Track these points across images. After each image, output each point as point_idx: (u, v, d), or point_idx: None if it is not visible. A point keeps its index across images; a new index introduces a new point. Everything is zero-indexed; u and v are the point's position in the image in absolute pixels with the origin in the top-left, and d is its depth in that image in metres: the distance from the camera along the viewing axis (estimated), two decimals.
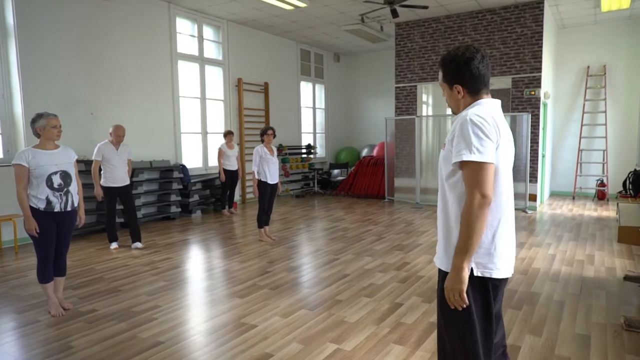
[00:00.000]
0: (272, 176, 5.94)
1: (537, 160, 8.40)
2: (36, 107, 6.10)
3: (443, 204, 1.75)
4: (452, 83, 1.75)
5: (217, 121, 9.15)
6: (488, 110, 1.66)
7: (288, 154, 10.64)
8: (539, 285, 4.21)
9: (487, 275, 1.64)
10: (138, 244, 5.72)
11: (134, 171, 6.96)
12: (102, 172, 5.47)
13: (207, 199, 8.48)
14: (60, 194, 3.53)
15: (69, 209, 3.60)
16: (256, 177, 5.87)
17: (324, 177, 11.62)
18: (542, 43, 8.09)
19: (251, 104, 9.72)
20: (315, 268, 4.85)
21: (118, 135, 5.45)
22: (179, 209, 7.85)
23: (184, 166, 7.96)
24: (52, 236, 3.55)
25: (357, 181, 10.46)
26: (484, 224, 1.56)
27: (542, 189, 8.99)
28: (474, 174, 1.56)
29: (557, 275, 4.48)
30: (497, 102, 1.76)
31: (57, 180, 3.50)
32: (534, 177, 8.37)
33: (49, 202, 3.47)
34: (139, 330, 3.29)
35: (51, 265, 3.61)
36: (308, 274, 4.65)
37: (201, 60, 8.64)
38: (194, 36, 8.50)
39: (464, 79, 1.71)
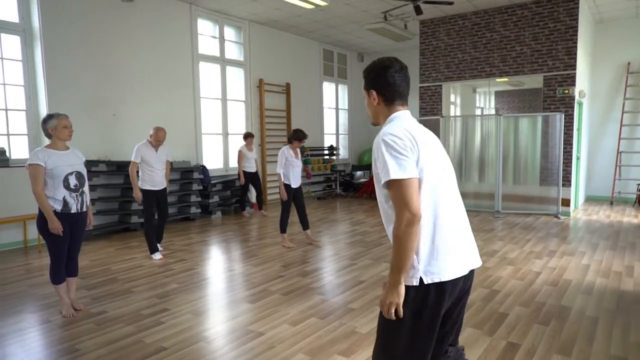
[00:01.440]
0: (296, 179, 5.77)
1: (571, 162, 7.97)
2: (60, 108, 6.16)
3: (388, 225, 1.74)
4: (368, 89, 1.80)
5: (238, 122, 9.11)
6: (400, 125, 1.68)
7: (310, 155, 10.51)
8: (570, 298, 3.91)
9: (436, 280, 1.62)
10: (158, 246, 5.52)
11: None
12: (139, 174, 5.17)
13: (227, 200, 8.45)
14: (76, 195, 3.51)
15: (84, 209, 3.59)
16: (282, 179, 5.67)
17: (346, 179, 11.43)
18: (576, 38, 7.68)
19: (272, 104, 9.64)
20: (330, 273, 4.69)
21: (158, 140, 5.14)
22: (199, 210, 7.83)
23: (204, 167, 7.94)
24: (67, 238, 3.52)
25: None
26: (414, 241, 1.57)
27: (576, 193, 8.53)
28: (397, 193, 1.56)
29: (590, 288, 4.17)
30: (407, 113, 1.77)
31: (73, 181, 3.48)
32: (567, 181, 7.95)
33: (65, 203, 3.44)
34: (144, 334, 3.21)
35: (64, 267, 3.58)
36: (322, 279, 4.49)
37: (222, 61, 8.62)
38: (215, 37, 8.49)
39: (380, 86, 1.76)
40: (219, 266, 5.13)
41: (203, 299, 3.97)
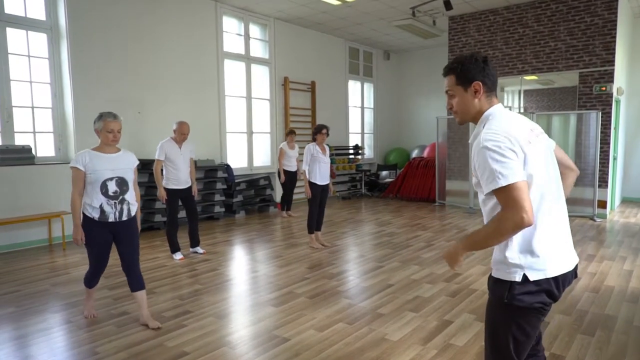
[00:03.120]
0: (323, 177, 5.59)
1: (608, 163, 7.59)
2: (86, 106, 6.21)
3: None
4: (471, 82, 1.72)
5: (263, 121, 9.02)
6: (499, 127, 1.61)
7: (335, 154, 10.34)
8: (614, 306, 3.65)
9: (541, 277, 1.59)
10: (198, 249, 5.39)
11: None
12: (163, 172, 5.03)
13: (251, 199, 8.36)
14: (115, 202, 3.18)
15: (124, 218, 3.23)
16: (307, 176, 5.53)
17: (371, 178, 11.23)
18: (615, 33, 7.30)
19: (297, 103, 9.51)
20: (357, 276, 4.52)
21: (182, 133, 4.98)
22: (223, 209, 7.77)
23: (228, 166, 7.88)
24: (106, 247, 3.25)
25: (406, 183, 10.00)
26: (505, 240, 1.57)
27: (612, 194, 8.13)
28: (508, 198, 1.50)
29: (636, 296, 3.89)
30: (501, 108, 1.73)
31: (112, 187, 3.16)
32: (603, 182, 7.57)
33: (102, 211, 3.14)
34: (166, 337, 3.11)
35: (100, 275, 3.40)
36: (349, 282, 4.33)
37: (247, 59, 8.54)
38: (240, 35, 8.42)
39: (485, 76, 1.71)
40: (242, 267, 5.02)
41: (226, 301, 3.86)
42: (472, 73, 1.71)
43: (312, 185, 5.56)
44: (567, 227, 1.73)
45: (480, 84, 1.71)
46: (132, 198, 3.29)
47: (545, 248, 1.59)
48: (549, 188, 1.64)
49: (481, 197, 1.69)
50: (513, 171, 1.50)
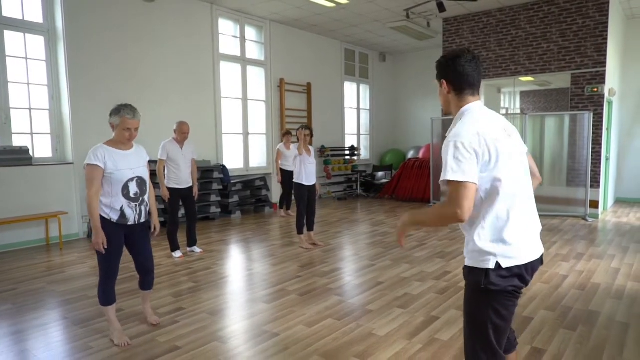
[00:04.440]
0: (309, 178, 5.70)
1: (600, 163, 7.68)
2: (83, 107, 6.29)
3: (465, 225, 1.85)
4: (440, 79, 1.84)
5: (259, 122, 9.10)
6: (472, 127, 1.69)
7: (331, 155, 10.43)
8: (599, 303, 3.73)
9: (513, 264, 1.71)
10: (195, 248, 5.48)
11: None
12: (165, 172, 5.13)
13: (247, 200, 8.44)
14: (136, 205, 2.98)
15: (142, 220, 3.05)
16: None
17: (367, 179, 11.31)
18: (607, 35, 7.40)
19: (293, 104, 9.60)
20: (348, 274, 4.60)
21: (183, 132, 5.07)
22: (219, 210, 7.84)
23: (224, 167, 7.96)
24: (120, 251, 3.02)
25: (401, 184, 10.08)
26: (440, 226, 1.75)
27: (605, 195, 8.22)
28: (452, 192, 1.64)
29: (621, 293, 3.97)
30: (478, 105, 1.80)
31: (133, 189, 2.95)
32: (595, 182, 7.65)
33: (123, 214, 2.93)
34: (158, 333, 3.19)
35: (114, 284, 3.07)
36: (340, 280, 4.40)
37: (243, 60, 8.63)
38: (236, 37, 8.50)
39: (450, 75, 1.80)
40: (236, 265, 5.10)
41: (219, 298, 3.93)
42: (440, 71, 1.85)
43: (298, 186, 5.66)
44: (536, 222, 1.84)
45: (445, 82, 1.83)
46: (148, 197, 3.12)
47: (516, 238, 1.71)
48: (520, 186, 1.75)
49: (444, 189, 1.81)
50: (464, 171, 1.62)
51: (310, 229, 5.86)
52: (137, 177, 2.99)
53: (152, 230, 3.23)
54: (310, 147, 5.78)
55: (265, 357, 2.83)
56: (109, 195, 2.90)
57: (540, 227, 1.86)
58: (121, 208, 2.92)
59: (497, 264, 1.69)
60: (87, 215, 6.39)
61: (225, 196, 7.97)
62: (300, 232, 5.76)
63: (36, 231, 5.96)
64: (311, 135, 5.73)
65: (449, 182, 1.65)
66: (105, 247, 2.87)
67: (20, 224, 5.77)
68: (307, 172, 5.67)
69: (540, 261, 1.82)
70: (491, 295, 1.72)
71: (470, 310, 1.81)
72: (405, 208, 8.92)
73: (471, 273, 1.77)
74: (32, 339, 3.13)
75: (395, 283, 4.25)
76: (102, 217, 2.89)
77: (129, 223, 2.97)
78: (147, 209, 3.12)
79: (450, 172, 1.63)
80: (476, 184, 1.64)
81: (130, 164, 2.97)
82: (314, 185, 5.79)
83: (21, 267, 4.91)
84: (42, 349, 2.98)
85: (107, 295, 3.03)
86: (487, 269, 1.70)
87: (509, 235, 1.70)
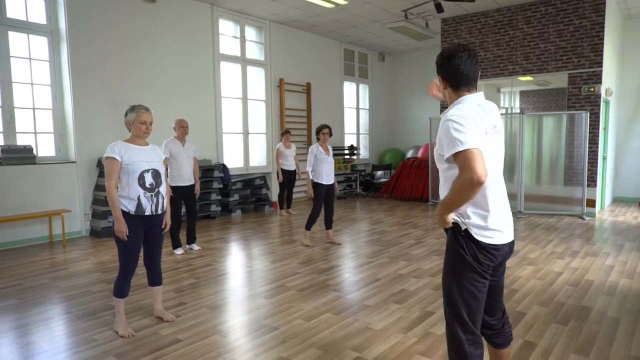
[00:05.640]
0: (328, 177, 5.71)
1: (597, 162, 7.76)
2: (85, 107, 6.38)
3: (445, 188, 1.96)
4: (438, 74, 1.98)
5: (259, 121, 9.19)
6: (466, 107, 1.83)
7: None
8: (591, 299, 3.81)
9: (487, 242, 1.88)
10: (194, 246, 5.57)
11: None
12: (168, 170, 5.15)
13: (247, 198, 8.53)
14: (152, 195, 3.13)
15: (159, 211, 3.19)
16: (310, 177, 5.66)
17: (366, 178, 11.39)
18: (603, 35, 7.47)
19: (293, 104, 9.68)
20: (346, 271, 4.68)
21: (182, 127, 5.19)
22: (219, 208, 7.93)
23: (224, 166, 8.04)
24: (139, 244, 3.16)
25: (400, 183, 10.16)
26: (467, 199, 1.74)
27: (602, 194, 8.30)
28: (463, 162, 1.70)
29: (613, 289, 4.05)
30: (479, 95, 1.92)
31: (149, 179, 3.13)
32: (592, 181, 7.73)
33: (139, 204, 3.08)
34: (160, 327, 3.28)
35: (130, 279, 3.22)
36: (339, 276, 4.49)
37: (243, 60, 8.71)
38: (236, 37, 8.59)
39: (445, 72, 1.93)
40: (237, 262, 5.18)
41: (220, 293, 4.02)
42: (438, 67, 1.97)
43: (318, 185, 5.67)
44: (509, 211, 2.02)
45: (441, 78, 1.96)
46: (164, 191, 3.26)
47: (491, 223, 1.89)
48: (497, 176, 1.92)
49: (442, 167, 1.92)
50: (470, 139, 1.70)
51: (328, 227, 5.91)
52: (153, 169, 3.16)
53: (163, 226, 3.34)
54: (328, 146, 5.81)
55: (264, 349, 2.91)
56: (126, 186, 3.08)
57: (510, 217, 2.01)
58: (138, 197, 3.08)
59: (473, 237, 1.87)
60: (89, 213, 6.50)
61: (226, 195, 8.06)
62: (308, 228, 5.78)
63: (40, 228, 6.05)
64: (330, 134, 5.80)
65: (455, 156, 1.72)
66: (128, 234, 3.04)
67: (24, 222, 5.87)
68: (326, 171, 5.69)
69: (511, 248, 1.99)
70: (464, 265, 1.89)
71: (447, 289, 1.96)
72: (404, 207, 9.00)
73: (454, 226, 1.92)
74: (36, 332, 3.21)
75: (392, 279, 4.34)
76: (121, 211, 3.06)
77: (147, 213, 3.11)
78: (163, 201, 3.24)
79: (456, 145, 1.70)
80: (481, 150, 1.70)
81: (145, 157, 3.16)
82: (333, 184, 5.82)
83: (25, 264, 5.00)
84: (47, 341, 3.07)
85: (123, 289, 3.19)
86: (466, 229, 1.88)
87: (487, 219, 1.87)
